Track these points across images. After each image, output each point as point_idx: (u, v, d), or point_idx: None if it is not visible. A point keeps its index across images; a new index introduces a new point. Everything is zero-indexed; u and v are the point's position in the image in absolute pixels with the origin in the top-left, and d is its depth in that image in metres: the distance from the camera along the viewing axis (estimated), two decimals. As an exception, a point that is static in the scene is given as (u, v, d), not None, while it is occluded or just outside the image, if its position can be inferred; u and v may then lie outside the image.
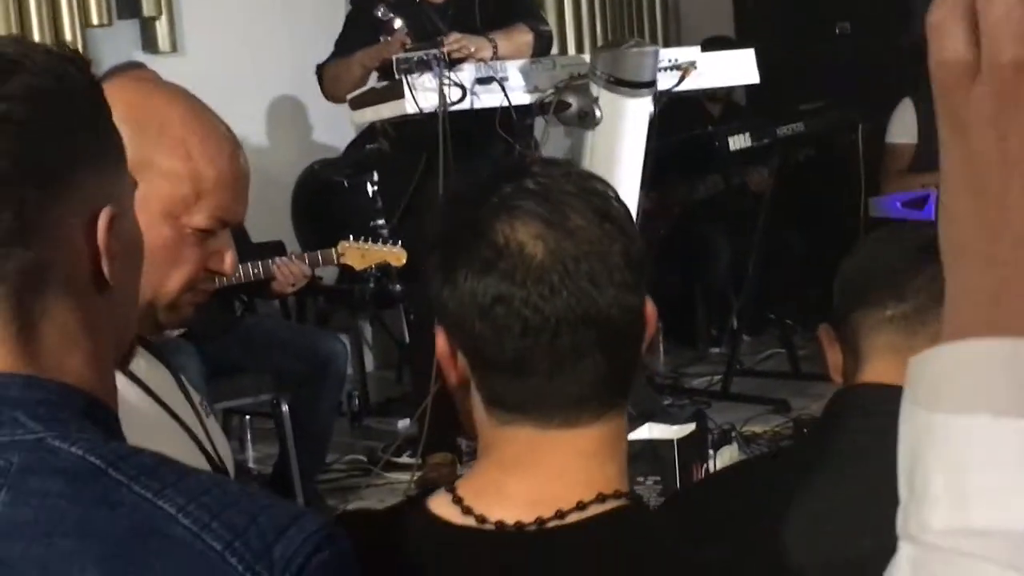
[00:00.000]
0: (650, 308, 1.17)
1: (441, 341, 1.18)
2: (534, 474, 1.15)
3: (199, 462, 1.51)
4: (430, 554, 1.17)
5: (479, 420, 1.19)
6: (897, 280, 1.58)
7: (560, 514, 1.13)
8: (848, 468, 1.52)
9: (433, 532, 1.16)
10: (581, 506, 1.13)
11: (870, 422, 1.55)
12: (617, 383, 1.16)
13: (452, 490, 1.18)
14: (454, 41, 4.18)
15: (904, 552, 0.64)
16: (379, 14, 4.45)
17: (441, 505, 1.17)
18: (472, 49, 4.22)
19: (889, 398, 1.55)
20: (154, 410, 1.50)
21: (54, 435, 0.94)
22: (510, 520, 1.13)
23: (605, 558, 1.13)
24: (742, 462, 2.12)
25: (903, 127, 5.69)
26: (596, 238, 1.12)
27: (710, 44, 6.40)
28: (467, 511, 1.15)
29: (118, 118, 1.37)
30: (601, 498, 1.14)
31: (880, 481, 1.46)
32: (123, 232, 1.02)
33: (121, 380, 1.42)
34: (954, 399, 0.62)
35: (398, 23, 4.37)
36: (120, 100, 1.42)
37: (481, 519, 1.14)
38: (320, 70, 4.63)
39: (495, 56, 4.27)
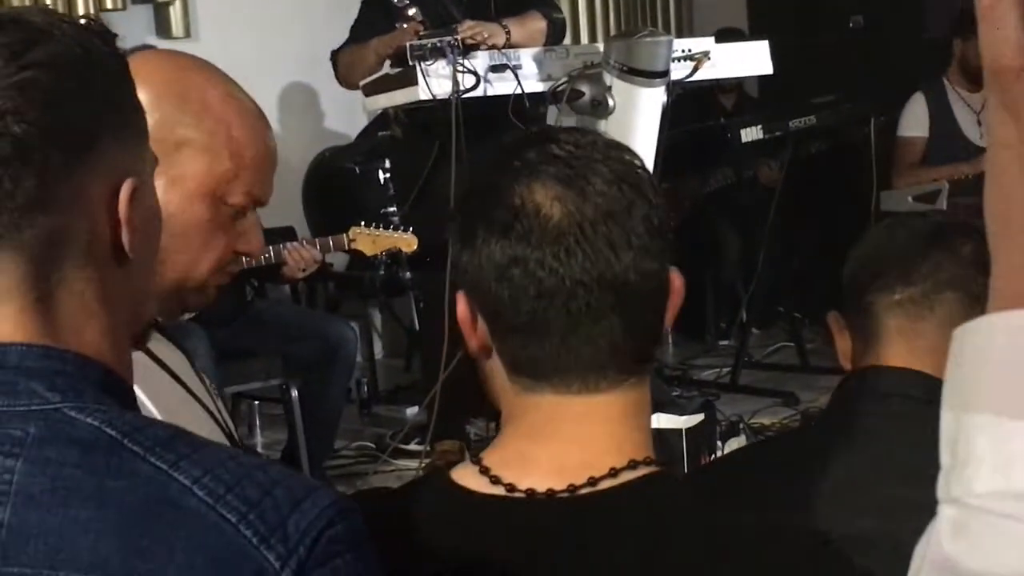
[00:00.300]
0: (676, 277, 1.17)
1: (462, 306, 1.17)
2: (559, 441, 1.14)
3: (221, 441, 1.52)
4: (459, 524, 1.16)
5: (501, 388, 1.18)
6: (905, 265, 1.62)
7: (592, 481, 1.12)
8: (859, 448, 1.54)
9: (461, 503, 1.16)
10: (614, 472, 1.12)
11: (880, 405, 1.57)
12: (637, 349, 1.15)
13: (478, 461, 1.17)
14: (468, 28, 4.18)
15: (945, 514, 0.64)
16: (394, 1, 4.45)
17: (467, 476, 1.17)
18: (485, 36, 4.21)
19: (899, 381, 1.59)
20: (176, 390, 1.51)
21: (71, 406, 0.94)
22: (540, 488, 1.13)
23: (641, 524, 1.12)
24: (757, 443, 2.14)
25: (915, 120, 5.68)
26: (616, 201, 1.12)
27: (722, 36, 6.40)
28: (495, 480, 1.14)
29: (157, 95, 1.39)
30: (633, 464, 1.13)
31: (888, 462, 1.49)
32: (143, 205, 1.03)
33: (143, 360, 1.43)
34: (1003, 366, 0.62)
35: (412, 10, 4.37)
36: (158, 77, 1.44)
37: (511, 488, 1.14)
38: (335, 56, 4.63)
39: (508, 43, 4.27)
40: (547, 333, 1.12)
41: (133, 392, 1.04)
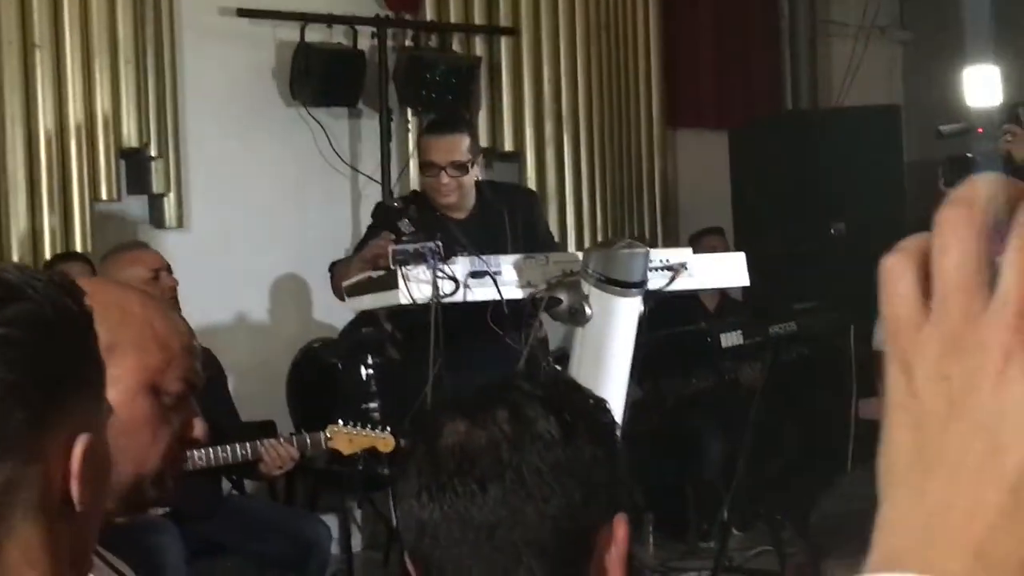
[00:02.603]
0: (619, 524, 1.10)
1: (407, 559, 1.13)
2: None
3: None
4: None
5: None
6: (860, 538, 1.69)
7: None
8: None
9: None
10: None
11: None
12: None
13: None
14: None
15: None
16: (402, 227, 4.49)
17: None
18: None
19: None
20: None
21: None
22: None
23: None
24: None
25: (889, 334, 5.75)
26: (518, 449, 1.06)
27: (703, 235, 6.52)
28: None
29: None
30: None
31: None
32: (96, 459, 1.05)
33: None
34: None
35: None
36: None
37: None
38: (332, 268, 4.67)
39: None
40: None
41: None
